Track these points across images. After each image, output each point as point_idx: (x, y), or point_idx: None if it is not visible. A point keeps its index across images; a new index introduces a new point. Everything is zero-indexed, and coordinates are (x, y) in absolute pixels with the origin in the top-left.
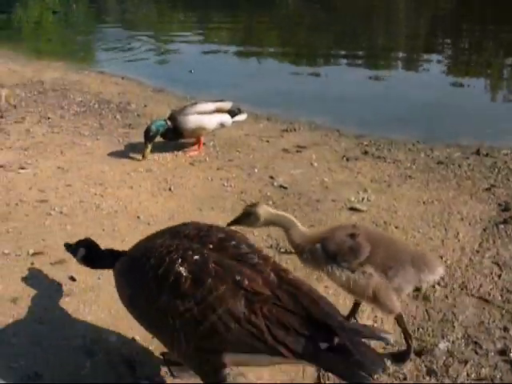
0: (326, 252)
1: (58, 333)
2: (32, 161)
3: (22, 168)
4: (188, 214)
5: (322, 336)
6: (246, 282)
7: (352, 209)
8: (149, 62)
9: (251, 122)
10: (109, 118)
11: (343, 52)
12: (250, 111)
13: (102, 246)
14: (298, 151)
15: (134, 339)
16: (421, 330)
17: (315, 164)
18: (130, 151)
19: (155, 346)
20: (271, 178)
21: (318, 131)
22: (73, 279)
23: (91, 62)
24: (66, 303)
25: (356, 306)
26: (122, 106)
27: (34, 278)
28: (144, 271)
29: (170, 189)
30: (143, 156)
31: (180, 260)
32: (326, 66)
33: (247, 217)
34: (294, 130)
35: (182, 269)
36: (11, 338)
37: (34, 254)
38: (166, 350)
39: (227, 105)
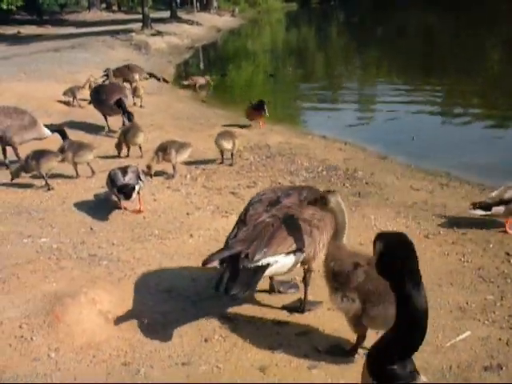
0: (332, 272)
1: None
2: None
3: None
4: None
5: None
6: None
7: None
8: (369, 127)
9: (477, 194)
10: (338, 186)
11: None
12: (477, 182)
13: None
14: None
15: None
16: None
17: None
18: (361, 219)
19: None
20: (507, 254)
21: None
22: (318, 350)
23: (311, 126)
24: (313, 375)
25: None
26: (349, 173)
27: (279, 347)
28: None
29: None
30: None
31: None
32: None
33: (321, 200)
34: None
35: None
36: None
37: (278, 323)
38: None
39: None
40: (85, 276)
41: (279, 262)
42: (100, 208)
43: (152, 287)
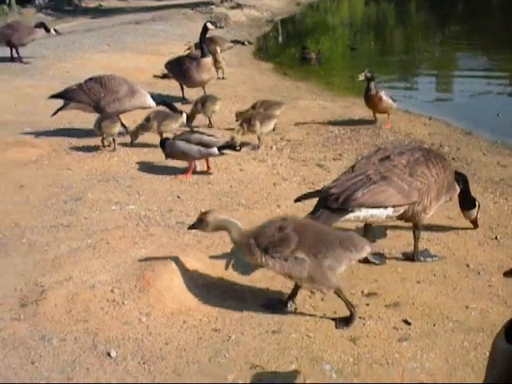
0: (259, 245)
1: None
2: None
3: None
4: None
5: None
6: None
7: None
8: (452, 103)
9: None
10: None
11: None
12: None
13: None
14: None
15: None
16: None
17: None
18: None
19: None
20: None
21: None
22: (407, 323)
23: (396, 100)
24: (403, 347)
25: (296, 288)
26: (434, 147)
27: (369, 318)
28: None
29: (496, 238)
30: None
31: None
32: None
33: (199, 223)
34: None
35: None
36: None
37: (368, 295)
38: None
39: None
40: (173, 243)
41: (364, 212)
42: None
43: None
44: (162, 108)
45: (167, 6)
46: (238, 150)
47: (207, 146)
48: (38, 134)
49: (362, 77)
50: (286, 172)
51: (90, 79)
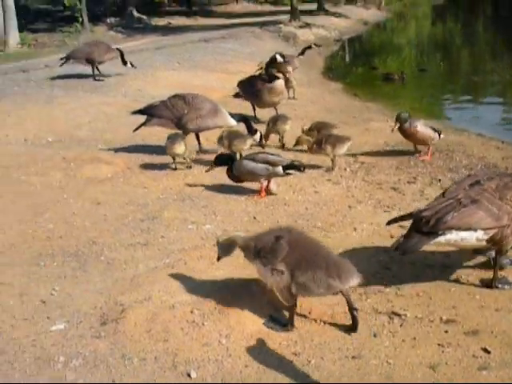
0: (255, 249)
1: None
2: None
3: None
4: None
5: None
6: None
7: None
8: None
9: None
10: None
11: None
12: None
13: None
14: None
15: None
16: None
17: None
18: None
19: None
20: None
21: None
22: (487, 351)
23: (465, 122)
24: (483, 377)
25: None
26: (509, 172)
27: (448, 346)
28: None
29: None
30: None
31: None
32: None
33: (221, 251)
34: None
35: None
36: None
37: (447, 321)
38: None
39: None
40: (250, 264)
41: (454, 234)
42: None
43: None
44: (235, 128)
45: (235, 25)
46: (301, 171)
47: (273, 165)
48: (112, 151)
49: (397, 125)
50: (360, 194)
51: (174, 96)
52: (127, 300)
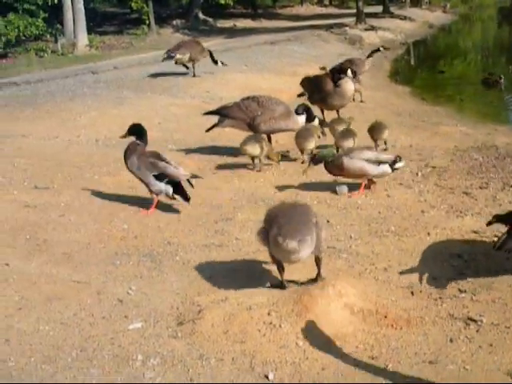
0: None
1: None
2: None
3: None
4: None
5: None
6: None
7: None
8: None
9: None
10: None
11: None
12: None
13: None
14: None
15: None
16: None
17: None
18: None
19: None
20: None
21: None
22: None
23: None
24: None
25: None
26: None
27: None
28: None
29: None
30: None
31: None
32: None
33: None
34: None
35: None
36: None
37: None
38: None
39: None
40: (326, 268)
41: None
42: (330, 199)
43: (393, 283)
44: (303, 127)
45: (301, 27)
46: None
47: (382, 162)
48: (182, 152)
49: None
50: (433, 199)
51: (247, 98)
52: (204, 301)
